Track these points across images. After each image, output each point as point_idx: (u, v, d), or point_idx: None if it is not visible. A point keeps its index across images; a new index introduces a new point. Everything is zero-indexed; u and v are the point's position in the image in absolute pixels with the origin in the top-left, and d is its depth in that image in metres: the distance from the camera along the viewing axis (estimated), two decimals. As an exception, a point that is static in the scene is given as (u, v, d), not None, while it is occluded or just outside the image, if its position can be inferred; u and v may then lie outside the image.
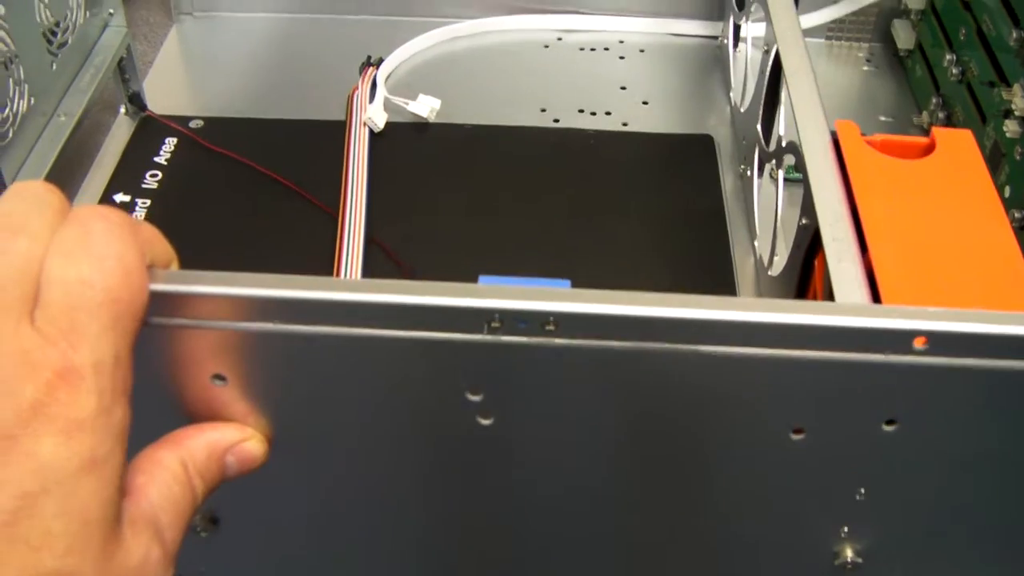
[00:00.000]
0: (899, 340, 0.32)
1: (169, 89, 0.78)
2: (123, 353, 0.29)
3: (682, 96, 0.76)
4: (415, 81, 0.77)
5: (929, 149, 0.48)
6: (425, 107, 0.73)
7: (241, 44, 0.82)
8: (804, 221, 0.49)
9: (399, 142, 0.72)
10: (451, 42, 0.81)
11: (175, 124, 0.73)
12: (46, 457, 0.26)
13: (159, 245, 0.34)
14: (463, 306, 0.32)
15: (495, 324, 0.33)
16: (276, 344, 0.34)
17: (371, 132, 0.72)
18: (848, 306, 0.35)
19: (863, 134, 0.49)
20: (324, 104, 0.75)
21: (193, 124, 0.74)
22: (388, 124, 0.72)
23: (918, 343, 0.32)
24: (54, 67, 0.65)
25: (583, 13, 0.81)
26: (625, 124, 0.73)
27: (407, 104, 0.73)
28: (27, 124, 0.62)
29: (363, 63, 0.77)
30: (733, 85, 0.73)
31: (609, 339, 0.33)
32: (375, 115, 0.72)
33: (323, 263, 0.63)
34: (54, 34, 0.65)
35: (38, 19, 0.63)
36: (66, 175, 0.69)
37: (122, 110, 0.75)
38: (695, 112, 0.74)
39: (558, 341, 0.33)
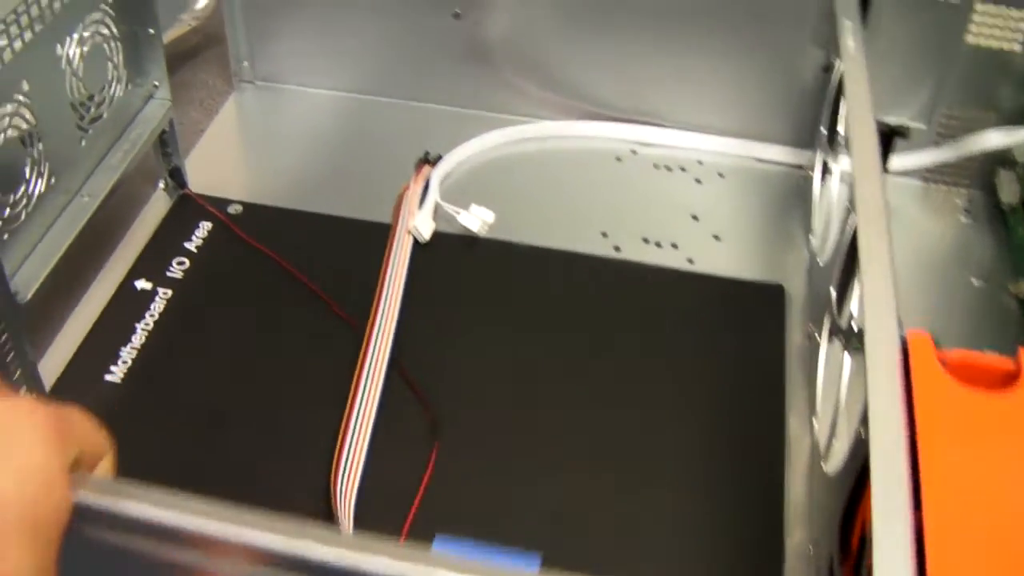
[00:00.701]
0: None
1: (216, 162, 0.75)
2: (46, 565, 0.27)
3: (757, 232, 0.69)
4: (472, 184, 0.72)
5: (1014, 376, 0.41)
6: (476, 220, 0.67)
7: (299, 121, 0.78)
8: (863, 433, 0.43)
9: (444, 256, 0.67)
10: (517, 144, 0.75)
11: (212, 208, 0.69)
12: None
13: (92, 437, 0.31)
14: (405, 582, 0.27)
15: (444, 604, 0.27)
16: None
17: (415, 240, 0.67)
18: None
19: (938, 346, 0.42)
20: (374, 198, 0.70)
21: (231, 209, 0.69)
22: (436, 233, 0.67)
23: None
24: (83, 143, 0.61)
25: (662, 126, 0.75)
26: (691, 261, 0.67)
27: (458, 214, 0.68)
28: (45, 204, 0.58)
29: (420, 159, 0.72)
30: (814, 229, 0.66)
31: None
32: (422, 225, 0.67)
33: (341, 384, 0.58)
34: (86, 108, 0.61)
35: (68, 93, 0.59)
36: (92, 252, 0.66)
37: (161, 185, 0.71)
38: (769, 253, 0.68)
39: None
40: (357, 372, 0.59)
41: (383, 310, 0.62)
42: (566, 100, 0.76)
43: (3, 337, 0.54)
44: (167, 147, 0.69)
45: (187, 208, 0.70)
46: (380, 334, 0.61)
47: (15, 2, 0.53)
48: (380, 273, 0.64)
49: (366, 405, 0.57)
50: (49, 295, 0.60)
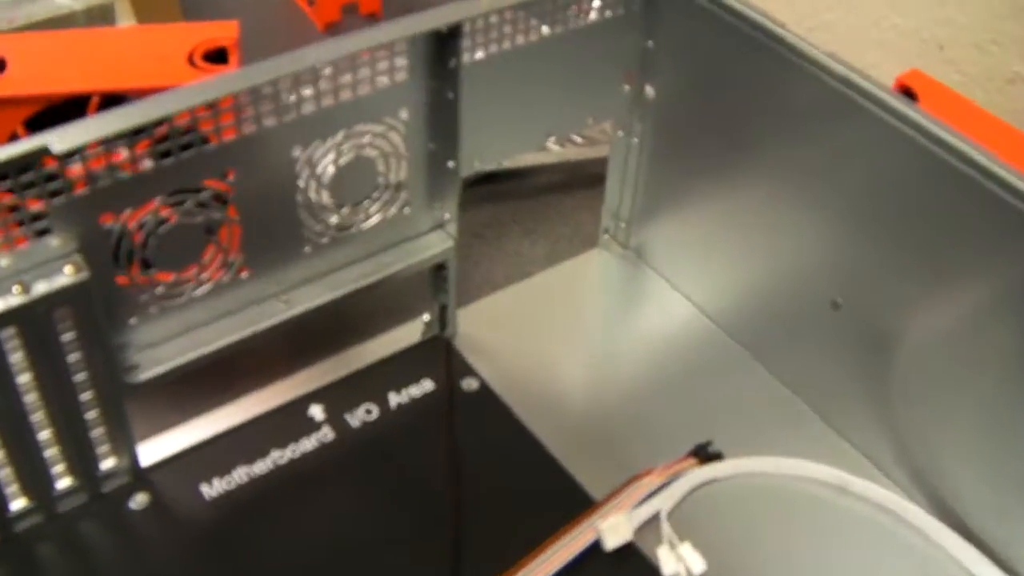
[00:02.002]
0: None
1: (512, 316, 0.64)
2: None
3: None
4: (726, 507, 0.55)
5: None
6: (673, 564, 0.51)
7: (635, 316, 0.66)
8: None
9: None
10: (826, 488, 0.57)
11: (446, 369, 0.59)
12: None
13: None
14: None
15: None
16: None
17: (596, 541, 0.52)
18: None
19: None
20: (621, 459, 0.56)
21: (466, 383, 0.59)
22: (629, 545, 0.52)
23: None
24: (307, 249, 0.53)
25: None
26: None
27: (662, 543, 0.52)
28: (226, 293, 0.52)
29: (697, 447, 0.57)
30: None
31: None
32: (611, 532, 0.52)
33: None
34: (327, 215, 0.52)
35: (301, 195, 0.51)
36: (279, 357, 0.59)
37: (425, 317, 0.61)
38: None
39: None
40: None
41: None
42: (925, 466, 0.55)
43: (91, 405, 0.49)
44: (442, 283, 0.59)
45: (425, 355, 0.60)
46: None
47: (230, 88, 0.45)
48: (527, 556, 0.51)
49: None
50: (205, 382, 0.54)
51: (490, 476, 0.54)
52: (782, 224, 0.57)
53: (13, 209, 0.43)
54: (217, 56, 0.58)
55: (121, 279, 0.48)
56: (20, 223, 0.44)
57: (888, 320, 0.54)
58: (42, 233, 0.45)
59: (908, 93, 0.59)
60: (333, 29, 0.86)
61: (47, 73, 0.56)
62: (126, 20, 0.79)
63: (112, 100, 0.56)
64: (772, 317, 0.60)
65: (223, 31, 0.58)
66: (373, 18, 0.87)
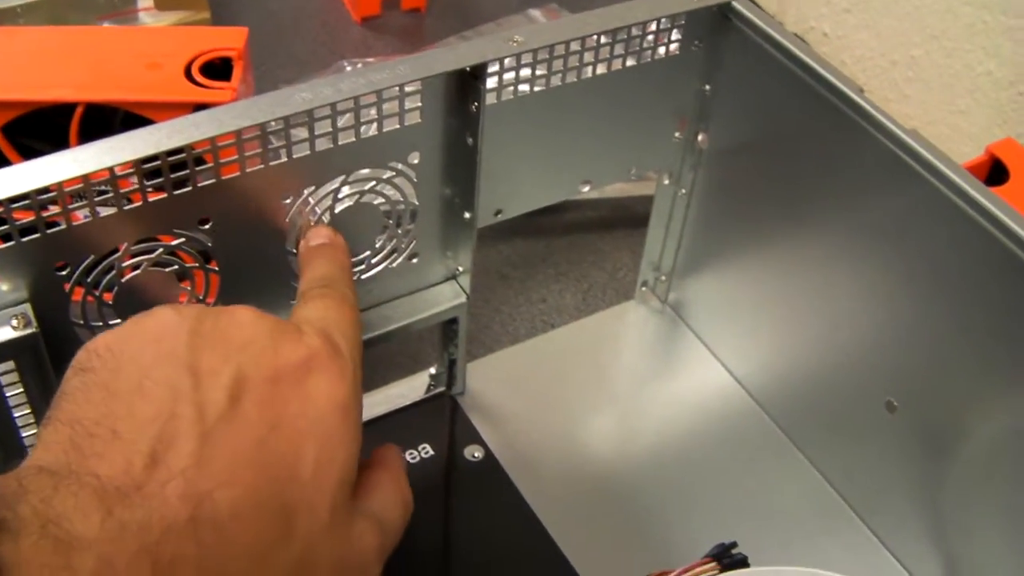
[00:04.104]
0: None
1: (537, 374, 0.58)
2: None
3: None
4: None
5: None
6: None
7: (670, 383, 0.59)
8: None
9: None
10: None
11: (450, 437, 0.53)
12: None
13: None
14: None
15: None
16: None
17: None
18: None
19: None
20: (630, 548, 0.50)
21: (470, 452, 0.53)
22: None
23: None
24: (295, 301, 0.47)
25: None
26: None
27: (670, 669, 0.46)
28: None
29: (718, 549, 0.50)
30: None
31: None
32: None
33: None
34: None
35: (289, 244, 0.45)
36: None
37: (431, 370, 0.55)
38: None
39: None
40: None
41: None
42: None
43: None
44: (452, 337, 0.53)
45: (428, 415, 0.54)
46: None
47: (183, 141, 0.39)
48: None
49: None
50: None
51: (485, 565, 0.49)
52: (835, 302, 0.50)
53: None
54: (221, 68, 0.52)
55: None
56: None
57: (949, 425, 0.47)
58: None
59: (998, 167, 0.52)
60: (371, 23, 0.79)
61: (32, 76, 0.51)
62: (147, 1, 0.73)
63: (98, 110, 0.50)
64: (818, 406, 0.54)
65: (229, 40, 0.52)
66: (416, 14, 0.80)
